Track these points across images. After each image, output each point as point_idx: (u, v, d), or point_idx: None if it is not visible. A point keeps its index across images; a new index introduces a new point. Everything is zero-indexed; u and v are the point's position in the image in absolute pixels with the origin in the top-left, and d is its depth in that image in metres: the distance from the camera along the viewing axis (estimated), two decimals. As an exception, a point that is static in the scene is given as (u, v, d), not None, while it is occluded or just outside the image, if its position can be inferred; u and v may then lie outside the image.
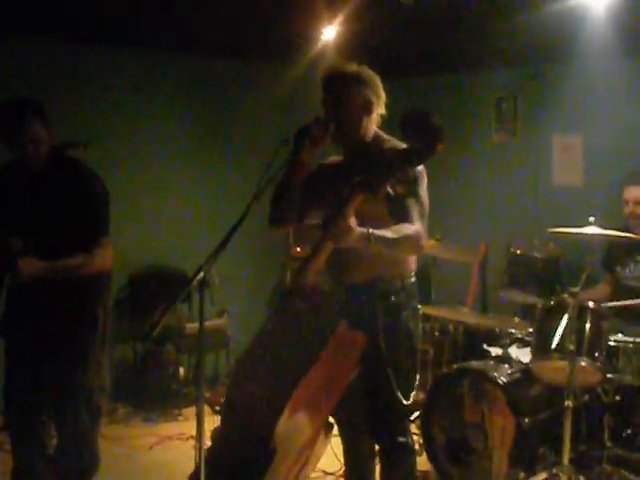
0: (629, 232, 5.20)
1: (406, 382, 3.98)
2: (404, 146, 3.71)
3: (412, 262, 4.03)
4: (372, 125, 3.95)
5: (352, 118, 3.88)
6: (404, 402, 3.94)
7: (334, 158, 4.14)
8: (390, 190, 3.50)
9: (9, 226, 4.33)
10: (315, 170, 4.10)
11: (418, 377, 4.07)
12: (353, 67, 3.91)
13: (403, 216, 3.71)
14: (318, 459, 4.12)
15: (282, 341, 3.75)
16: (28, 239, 4.20)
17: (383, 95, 3.94)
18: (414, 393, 4.02)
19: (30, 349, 4.35)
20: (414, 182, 3.77)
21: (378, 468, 4.24)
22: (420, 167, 3.81)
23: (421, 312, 4.17)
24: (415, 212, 3.74)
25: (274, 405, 3.53)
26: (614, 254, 5.79)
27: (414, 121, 3.64)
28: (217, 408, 5.22)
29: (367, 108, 3.89)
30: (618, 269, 5.76)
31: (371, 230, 3.53)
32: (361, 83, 3.87)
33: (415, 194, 3.78)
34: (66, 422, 4.42)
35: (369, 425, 4.10)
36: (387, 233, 3.60)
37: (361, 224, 3.52)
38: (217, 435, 3.80)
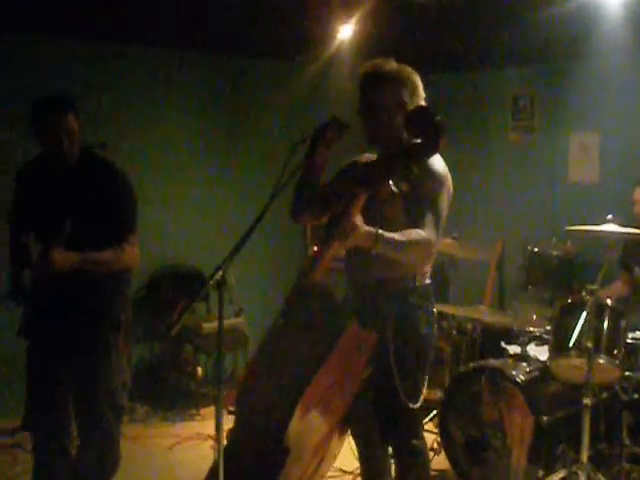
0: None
1: (413, 385, 3.92)
2: (416, 145, 3.69)
3: (426, 264, 3.99)
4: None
5: (385, 119, 3.85)
6: (411, 405, 3.90)
7: (368, 155, 4.11)
8: (394, 187, 3.48)
9: (41, 219, 4.37)
10: (347, 166, 4.11)
11: (426, 380, 4.00)
12: (393, 66, 3.88)
13: (416, 221, 3.67)
14: (335, 457, 4.13)
15: (292, 340, 3.75)
16: (62, 230, 4.15)
17: (421, 94, 3.90)
18: (422, 396, 3.97)
19: (53, 348, 4.34)
20: (433, 188, 3.73)
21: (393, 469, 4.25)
22: (441, 172, 3.79)
23: (439, 310, 4.14)
24: (429, 219, 3.68)
25: (286, 404, 3.53)
26: (631, 252, 5.77)
27: (416, 117, 3.61)
28: (231, 409, 5.23)
29: (401, 108, 3.85)
30: (636, 268, 5.73)
31: (379, 231, 3.48)
32: (401, 85, 3.84)
33: (432, 199, 3.72)
34: (89, 422, 4.41)
35: (380, 428, 4.08)
36: (395, 235, 3.54)
37: (379, 226, 3.50)
38: (231, 435, 3.80)
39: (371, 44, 6.33)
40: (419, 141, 3.52)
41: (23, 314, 4.43)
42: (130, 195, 4.44)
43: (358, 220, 3.45)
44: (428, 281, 4.00)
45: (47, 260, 4.10)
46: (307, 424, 3.56)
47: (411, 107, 3.84)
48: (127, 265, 4.43)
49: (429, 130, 3.48)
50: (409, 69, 3.90)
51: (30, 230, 4.44)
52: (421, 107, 3.76)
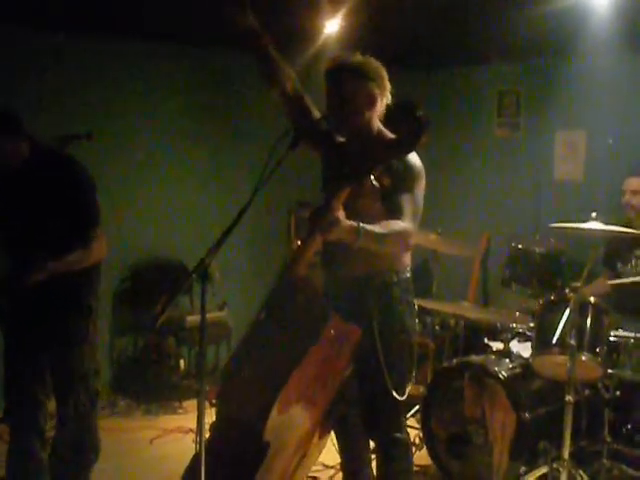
0: (630, 227, 5.21)
1: (400, 378, 3.95)
2: (398, 139, 3.70)
3: (407, 257, 4.00)
4: (375, 118, 3.93)
5: (354, 111, 3.86)
6: (398, 398, 3.93)
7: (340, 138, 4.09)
8: (375, 182, 3.49)
9: (2, 228, 4.47)
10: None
11: (414, 373, 4.03)
12: (358, 59, 3.87)
13: (395, 212, 3.68)
14: (319, 452, 4.13)
15: (274, 334, 3.74)
16: (28, 247, 4.31)
17: (388, 86, 3.90)
18: (409, 389, 4.00)
19: (27, 337, 4.47)
20: (410, 179, 3.75)
21: (374, 463, 4.24)
22: (419, 166, 3.80)
23: (422, 306, 4.16)
24: (408, 209, 3.70)
25: (267, 398, 3.52)
26: (615, 250, 5.78)
27: (398, 112, 3.62)
28: (214, 402, 5.25)
29: (370, 101, 3.87)
30: (619, 265, 5.76)
31: (361, 224, 3.49)
32: (365, 76, 3.83)
33: (410, 191, 3.74)
34: (66, 405, 4.51)
35: (363, 421, 4.09)
36: (376, 228, 3.56)
37: (353, 219, 3.50)
38: (213, 428, 3.80)
39: (357, 39, 6.31)
40: (402, 136, 3.53)
41: None
42: (87, 189, 4.43)
43: (340, 214, 3.45)
44: (408, 274, 4.02)
45: (21, 282, 4.25)
46: (288, 419, 3.55)
47: (379, 99, 3.87)
48: (96, 259, 4.50)
49: (412, 125, 3.48)
50: (375, 62, 3.90)
51: None
52: (403, 102, 3.76)
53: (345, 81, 3.84)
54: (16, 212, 4.38)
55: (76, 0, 5.61)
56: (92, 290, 4.57)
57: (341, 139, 4.03)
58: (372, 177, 3.47)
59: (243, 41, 4.03)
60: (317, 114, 4.05)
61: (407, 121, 3.49)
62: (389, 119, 3.70)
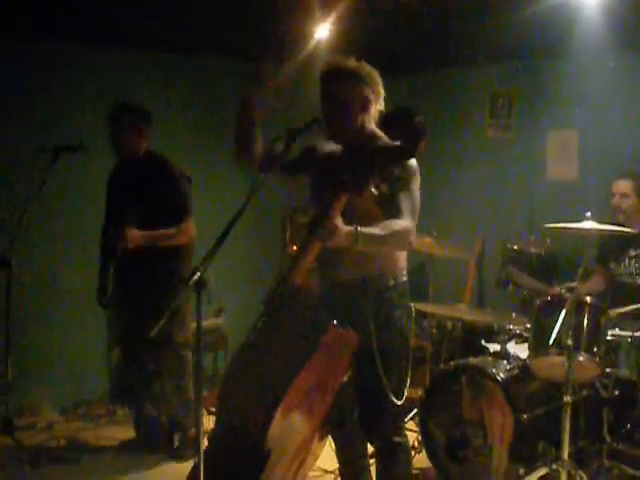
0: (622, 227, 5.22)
1: (398, 381, 3.97)
2: (395, 145, 3.71)
3: (403, 260, 4.02)
4: (369, 122, 3.94)
5: (348, 115, 3.86)
6: (396, 402, 3.93)
7: (330, 146, 4.08)
8: (374, 190, 3.50)
9: (119, 209, 5.63)
10: (308, 150, 4.11)
11: (410, 376, 4.05)
12: (352, 63, 3.89)
13: (394, 211, 3.70)
14: (316, 459, 4.11)
15: (273, 342, 3.74)
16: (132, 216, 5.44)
17: (382, 91, 3.93)
18: (406, 392, 4.01)
19: (135, 311, 5.56)
20: (406, 178, 3.76)
21: (374, 468, 4.24)
22: (414, 165, 3.81)
23: (419, 309, 4.16)
24: (406, 208, 3.73)
25: (266, 407, 3.51)
26: (608, 249, 5.79)
27: (396, 119, 3.63)
28: (212, 409, 5.28)
29: (364, 106, 3.88)
30: (612, 265, 5.76)
31: (359, 228, 3.50)
32: (359, 80, 3.85)
33: (407, 190, 3.76)
34: (166, 369, 5.68)
35: (362, 425, 4.09)
36: (375, 230, 3.58)
37: (351, 221, 3.51)
38: (212, 437, 3.80)
39: (348, 43, 6.31)
40: (400, 143, 3.53)
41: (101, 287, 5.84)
42: (184, 184, 5.63)
43: (339, 221, 3.46)
44: (405, 278, 4.04)
45: (124, 239, 5.39)
46: (288, 426, 3.54)
47: (373, 103, 3.90)
48: (185, 240, 5.61)
49: (409, 132, 3.49)
50: (368, 66, 3.93)
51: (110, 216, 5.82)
52: (401, 108, 3.77)
53: (339, 85, 3.85)
54: (127, 195, 5.60)
55: (68, 8, 5.61)
56: (183, 267, 5.54)
57: (333, 146, 4.03)
58: (372, 186, 3.48)
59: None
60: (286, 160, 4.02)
61: (405, 127, 3.50)
62: (387, 124, 3.70)
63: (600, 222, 4.71)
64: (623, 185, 5.70)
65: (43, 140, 6.12)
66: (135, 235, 5.42)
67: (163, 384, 5.74)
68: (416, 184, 3.83)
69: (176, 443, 5.85)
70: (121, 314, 5.81)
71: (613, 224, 5.10)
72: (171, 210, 5.56)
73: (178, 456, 5.70)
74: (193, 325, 6.71)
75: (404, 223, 3.69)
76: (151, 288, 5.46)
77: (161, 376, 5.72)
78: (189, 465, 3.69)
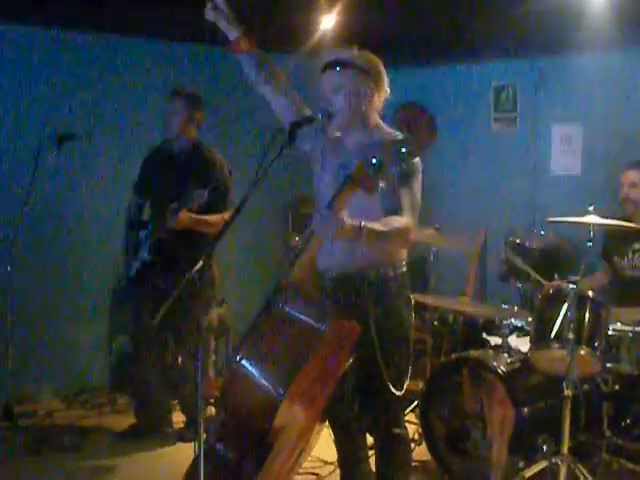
0: (628, 221, 5.22)
1: (398, 372, 3.97)
2: (400, 138, 3.70)
3: (403, 251, 4.02)
4: (372, 112, 3.93)
5: (351, 105, 3.86)
6: (396, 393, 3.94)
7: (335, 137, 4.03)
8: (383, 185, 3.49)
9: (164, 191, 5.79)
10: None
11: (410, 367, 4.05)
12: (355, 53, 3.89)
13: (394, 208, 3.68)
14: (312, 448, 4.12)
15: (277, 333, 3.73)
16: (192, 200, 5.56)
17: (385, 81, 3.92)
18: (407, 383, 4.01)
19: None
20: (408, 174, 3.74)
21: (373, 459, 4.24)
22: (417, 161, 3.80)
23: (420, 301, 4.16)
24: (406, 205, 3.71)
25: (269, 399, 3.51)
26: (612, 243, 5.79)
27: (408, 115, 3.62)
28: (211, 400, 5.34)
29: (366, 96, 3.87)
30: (616, 259, 5.76)
31: (363, 222, 3.49)
32: (362, 71, 3.85)
33: (408, 186, 3.75)
34: (192, 352, 5.80)
35: (361, 417, 4.09)
36: (377, 225, 3.56)
37: (357, 216, 3.49)
38: (214, 429, 3.79)
39: (353, 35, 6.30)
40: (411, 139, 3.52)
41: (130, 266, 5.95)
42: (227, 176, 5.89)
43: (344, 215, 3.45)
44: (405, 269, 4.04)
45: (177, 218, 5.53)
46: (290, 419, 3.54)
47: (376, 94, 3.90)
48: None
49: (421, 128, 3.48)
50: (372, 56, 3.92)
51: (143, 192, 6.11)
52: (413, 104, 3.76)
53: (342, 75, 3.84)
54: (174, 177, 5.79)
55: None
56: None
57: (337, 134, 4.01)
58: (379, 181, 3.46)
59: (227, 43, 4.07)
60: (308, 111, 4.04)
61: (416, 123, 3.49)
62: (397, 120, 3.69)
63: (603, 216, 4.71)
64: (633, 175, 5.69)
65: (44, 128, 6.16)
66: (186, 217, 5.56)
67: (181, 369, 6.07)
68: (418, 182, 3.83)
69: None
70: (141, 298, 5.93)
71: (619, 217, 5.09)
72: (217, 199, 5.72)
73: (187, 438, 5.85)
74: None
75: (404, 220, 3.67)
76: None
77: (177, 361, 6.08)
78: (188, 453, 3.68)
